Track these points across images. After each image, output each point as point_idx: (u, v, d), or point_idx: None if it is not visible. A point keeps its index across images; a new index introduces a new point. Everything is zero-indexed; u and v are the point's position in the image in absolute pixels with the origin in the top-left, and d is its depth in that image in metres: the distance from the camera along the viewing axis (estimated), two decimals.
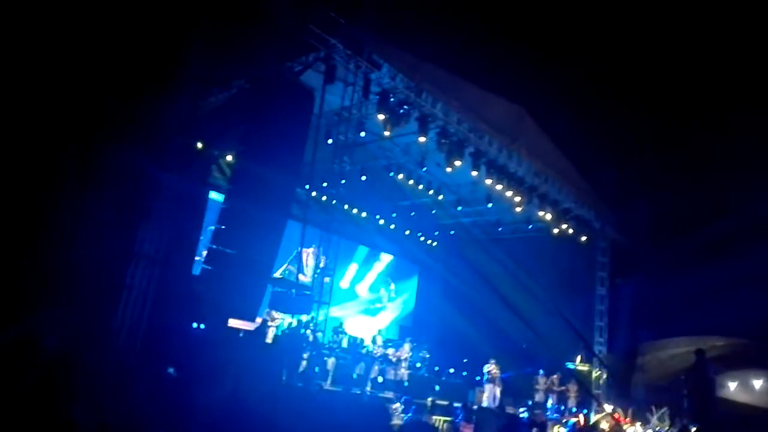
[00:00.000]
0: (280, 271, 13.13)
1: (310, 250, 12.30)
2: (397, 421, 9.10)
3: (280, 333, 11.98)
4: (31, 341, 7.52)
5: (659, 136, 16.26)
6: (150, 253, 11.02)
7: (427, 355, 16.12)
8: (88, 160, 9.79)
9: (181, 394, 7.18)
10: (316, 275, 11.86)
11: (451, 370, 16.41)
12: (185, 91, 10.91)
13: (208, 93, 11.29)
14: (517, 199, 15.13)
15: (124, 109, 10.12)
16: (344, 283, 18.25)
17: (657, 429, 14.15)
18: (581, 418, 14.33)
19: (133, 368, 7.57)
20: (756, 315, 14.60)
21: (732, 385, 16.78)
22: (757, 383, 16.57)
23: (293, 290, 11.26)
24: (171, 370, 8.13)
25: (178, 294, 10.22)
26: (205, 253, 10.34)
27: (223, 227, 9.94)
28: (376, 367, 13.94)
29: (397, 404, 9.86)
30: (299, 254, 12.21)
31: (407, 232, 19.81)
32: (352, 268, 18.77)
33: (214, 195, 12.33)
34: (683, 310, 15.70)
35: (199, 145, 10.98)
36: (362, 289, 19.25)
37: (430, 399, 11.15)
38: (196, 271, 10.32)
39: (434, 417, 10.92)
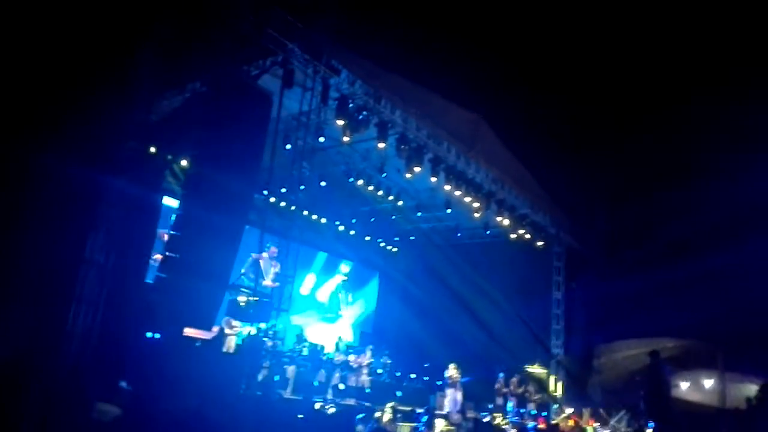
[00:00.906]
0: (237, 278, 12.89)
1: (266, 255, 12.09)
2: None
3: (240, 342, 11.73)
4: None
5: (613, 143, 16.70)
6: (100, 260, 10.65)
7: (389, 361, 16.06)
8: (39, 171, 9.43)
9: (136, 406, 6.93)
10: (274, 282, 11.67)
11: (413, 376, 16.38)
12: (137, 94, 10.63)
13: (161, 96, 11.01)
14: (476, 204, 15.31)
15: (70, 113, 9.78)
16: (304, 290, 18.06)
17: (616, 430, 14.47)
18: (540, 421, 14.54)
19: (85, 380, 7.26)
20: (704, 316, 15.11)
21: (684, 385, 17.32)
22: (708, 383, 17.15)
23: (250, 298, 11.04)
24: (123, 383, 7.84)
25: (131, 302, 9.89)
26: (158, 259, 10.04)
27: (177, 233, 9.67)
28: (337, 374, 13.80)
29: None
30: (256, 261, 11.99)
31: (367, 238, 19.78)
32: (312, 276, 18.59)
33: (168, 201, 12.01)
34: (635, 312, 16.16)
35: (152, 149, 10.69)
36: (322, 295, 19.09)
37: (390, 405, 11.07)
38: (150, 278, 10.00)
39: (399, 424, 10.87)
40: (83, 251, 10.35)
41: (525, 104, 15.97)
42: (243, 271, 12.02)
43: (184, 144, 11.08)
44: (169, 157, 11.78)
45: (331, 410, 10.10)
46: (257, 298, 11.05)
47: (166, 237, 10.18)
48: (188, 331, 10.07)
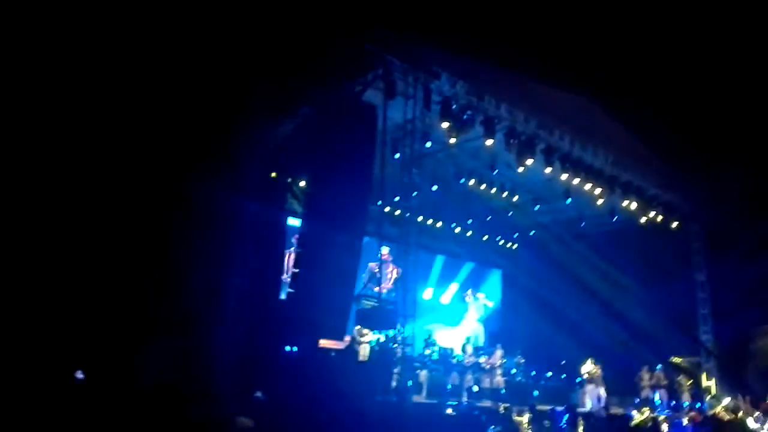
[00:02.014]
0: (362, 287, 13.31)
1: (379, 262, 12.38)
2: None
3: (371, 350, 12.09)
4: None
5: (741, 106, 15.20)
6: (239, 283, 11.53)
7: (522, 360, 15.74)
8: (181, 201, 10.44)
9: (272, 416, 7.38)
10: (394, 288, 11.90)
11: (549, 374, 15.92)
12: (256, 124, 11.43)
13: (276, 123, 11.71)
14: (598, 191, 14.59)
15: (206, 150, 10.73)
16: (427, 294, 18.23)
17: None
18: (695, 413, 13.54)
19: (231, 398, 7.87)
20: None
21: None
22: None
23: (376, 306, 11.35)
24: (259, 393, 8.37)
25: (269, 319, 10.60)
26: (288, 277, 10.66)
27: (302, 250, 10.23)
28: (470, 377, 13.77)
29: None
30: (372, 269, 12.34)
31: (485, 238, 19.53)
32: (434, 280, 18.72)
33: (291, 221, 12.72)
34: None
35: (273, 174, 11.41)
36: (446, 298, 19.15)
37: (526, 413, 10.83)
38: (283, 295, 10.65)
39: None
40: (222, 277, 11.29)
41: (637, 81, 15.00)
42: (365, 280, 12.38)
43: (301, 166, 11.69)
44: (289, 179, 12.47)
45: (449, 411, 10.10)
46: (382, 306, 11.34)
47: (292, 256, 10.80)
48: (323, 343, 10.58)
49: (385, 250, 12.45)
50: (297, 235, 11.52)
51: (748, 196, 15.44)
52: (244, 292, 11.46)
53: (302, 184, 12.60)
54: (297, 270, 10.31)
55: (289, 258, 12.04)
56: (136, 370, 8.43)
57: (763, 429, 12.95)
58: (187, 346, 9.57)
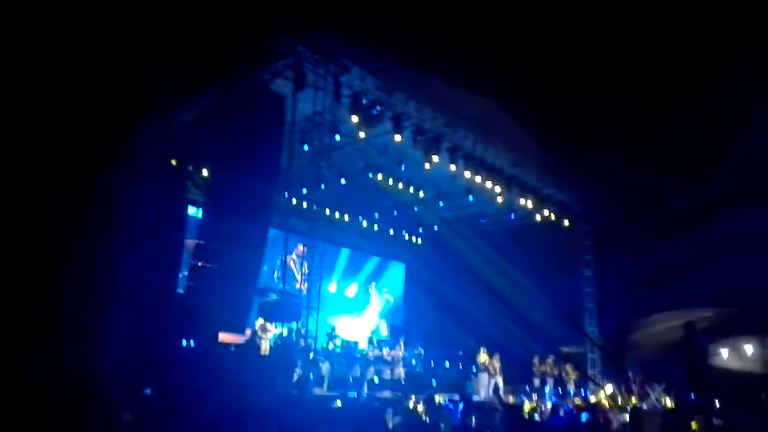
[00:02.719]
0: (267, 280, 13.11)
1: (294, 256, 12.28)
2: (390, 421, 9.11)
3: (272, 344, 11.94)
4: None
5: (630, 114, 16.37)
6: (133, 272, 10.97)
7: (422, 351, 16.17)
8: (71, 190, 9.78)
9: (157, 413, 7.12)
10: (303, 281, 11.83)
11: (447, 364, 16.46)
12: (155, 109, 10.88)
13: (178, 109, 11.22)
14: (497, 189, 15.24)
15: (101, 135, 10.10)
16: (332, 288, 18.26)
17: (656, 402, 14.35)
18: (579, 400, 14.50)
19: (121, 394, 7.50)
20: (740, 283, 14.83)
21: (724, 353, 17.05)
22: (748, 349, 16.85)
23: (280, 299, 11.22)
24: (148, 390, 8.05)
25: (165, 312, 10.17)
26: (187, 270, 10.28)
27: (203, 242, 9.88)
28: (372, 369, 13.96)
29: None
30: (284, 262, 12.17)
31: (391, 232, 19.84)
32: (339, 272, 18.78)
33: (191, 210, 12.26)
34: (669, 284, 15.90)
35: (174, 161, 10.93)
36: (351, 291, 19.27)
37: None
38: (181, 288, 10.25)
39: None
40: (116, 264, 10.69)
41: (538, 86, 15.75)
42: (276, 274, 12.20)
43: (203, 153, 11.29)
44: (191, 167, 12.00)
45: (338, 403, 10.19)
46: (286, 299, 11.23)
47: (192, 246, 10.41)
48: (223, 337, 10.31)
49: (301, 246, 12.33)
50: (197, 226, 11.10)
51: (633, 198, 16.72)
52: (139, 283, 10.94)
53: (205, 172, 12.20)
54: (196, 262, 9.95)
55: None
56: (19, 367, 7.83)
57: (643, 405, 14.03)
58: (75, 340, 9.00)
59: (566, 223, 17.19)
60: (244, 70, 10.54)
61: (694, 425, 11.24)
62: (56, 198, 9.81)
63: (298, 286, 11.76)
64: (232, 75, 10.44)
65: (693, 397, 14.60)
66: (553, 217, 16.92)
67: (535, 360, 16.33)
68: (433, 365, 16.19)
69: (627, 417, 12.25)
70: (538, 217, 16.85)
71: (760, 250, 14.19)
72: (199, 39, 10.13)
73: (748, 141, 14.67)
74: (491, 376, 14.76)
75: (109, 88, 10.01)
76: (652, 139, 16.11)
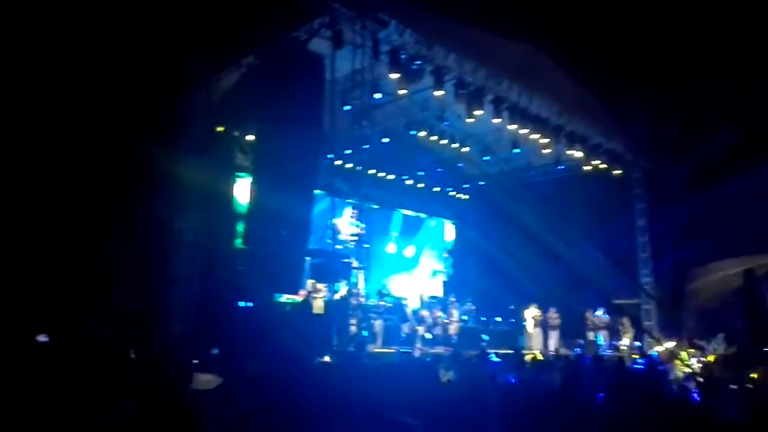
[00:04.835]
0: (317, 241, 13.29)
1: (343, 219, 12.35)
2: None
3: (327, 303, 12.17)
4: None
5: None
6: (190, 240, 11.33)
7: (473, 307, 16.20)
8: (126, 164, 10.12)
9: (231, 372, 7.37)
10: (352, 242, 11.91)
11: (498, 319, 16.47)
12: (198, 76, 11.01)
13: (219, 76, 11.31)
14: (544, 141, 14.86)
15: (148, 108, 10.35)
16: (391, 248, 18.56)
17: (716, 353, 14.02)
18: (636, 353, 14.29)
19: (183, 352, 7.81)
20: None
21: None
22: None
23: (330, 259, 11.38)
24: (215, 350, 8.35)
25: (223, 275, 10.50)
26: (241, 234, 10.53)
27: (253, 206, 10.07)
28: (424, 326, 14.09)
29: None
30: (333, 224, 12.30)
31: (436, 189, 19.72)
32: (396, 232, 19.02)
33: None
34: (728, 230, 15.26)
35: (220, 128, 11.09)
36: (409, 252, 19.58)
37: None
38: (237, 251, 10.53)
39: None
40: (173, 234, 11.06)
41: (585, 32, 15.07)
42: (327, 234, 12.32)
43: (248, 119, 11.38)
44: (236, 133, 12.14)
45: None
46: (335, 260, 11.38)
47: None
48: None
49: (350, 209, 12.41)
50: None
51: (683, 140, 15.97)
52: (196, 249, 11.29)
53: (250, 138, 12.32)
54: (249, 226, 10.17)
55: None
56: (89, 331, 8.26)
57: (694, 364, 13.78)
58: (140, 303, 9.42)
59: (617, 172, 16.67)
60: (279, 30, 10.48)
61: (754, 375, 10.93)
62: (112, 170, 10.16)
63: (350, 246, 11.83)
64: (268, 37, 10.41)
65: (752, 346, 14.17)
66: (603, 166, 16.43)
67: (588, 313, 16.15)
68: (484, 320, 16.23)
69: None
70: (587, 168, 16.39)
71: None
72: (235, 2, 10.13)
73: None
74: (549, 329, 14.71)
75: (151, 59, 10.18)
76: (700, 78, 15.16)
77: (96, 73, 9.77)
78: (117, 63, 9.89)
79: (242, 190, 11.84)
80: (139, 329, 8.56)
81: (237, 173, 12.17)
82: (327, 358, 9.54)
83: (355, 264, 11.29)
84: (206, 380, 6.74)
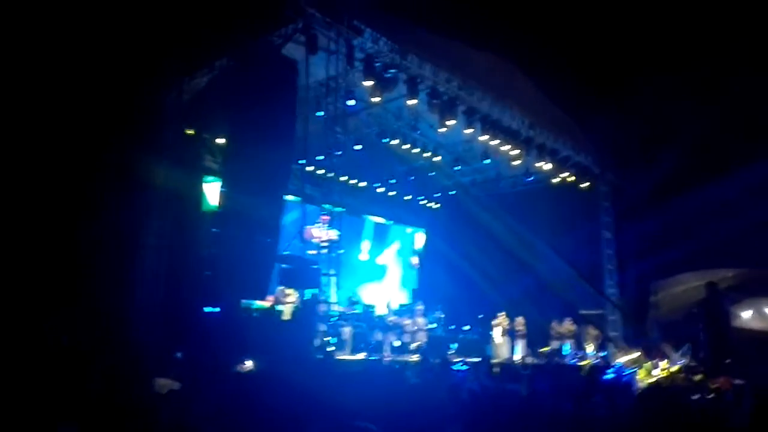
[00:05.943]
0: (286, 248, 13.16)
1: (317, 226, 12.27)
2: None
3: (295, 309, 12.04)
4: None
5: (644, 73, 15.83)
6: (156, 243, 11.12)
7: (441, 315, 16.23)
8: (92, 164, 9.90)
9: (193, 377, 7.24)
10: (325, 248, 11.82)
11: (467, 328, 16.53)
12: (169, 77, 10.85)
13: (190, 77, 11.17)
14: (514, 152, 15.05)
15: (118, 109, 10.15)
16: (363, 255, 18.51)
17: (679, 363, 14.29)
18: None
19: (145, 356, 7.65)
20: (763, 241, 14.56)
21: (746, 314, 16.86)
22: None
23: (299, 265, 11.28)
24: (179, 354, 8.19)
25: (189, 280, 10.31)
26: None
27: (222, 210, 9.93)
28: (392, 333, 14.05)
29: None
30: (302, 229, 12.20)
31: (407, 198, 19.76)
32: (368, 240, 19.05)
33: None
34: (691, 244, 15.63)
35: (190, 130, 10.93)
36: (381, 259, 19.67)
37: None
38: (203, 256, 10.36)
39: None
40: (138, 237, 10.84)
41: (556, 46, 15.31)
42: (296, 240, 12.22)
43: (218, 121, 11.25)
44: (206, 136, 11.98)
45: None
46: (304, 266, 11.28)
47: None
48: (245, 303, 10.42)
49: (325, 216, 12.32)
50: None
51: (649, 156, 16.34)
52: (162, 252, 11.08)
53: (221, 141, 12.16)
54: (216, 230, 10.02)
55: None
56: (48, 336, 8.01)
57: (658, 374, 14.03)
58: (101, 307, 9.18)
59: (584, 185, 16.96)
60: (254, 34, 10.42)
61: (716, 386, 11.19)
62: (79, 172, 9.92)
63: (321, 252, 11.74)
64: (243, 40, 10.33)
65: (714, 357, 14.50)
66: (571, 179, 16.71)
67: (553, 323, 16.33)
68: (453, 329, 16.27)
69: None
70: (555, 180, 16.65)
71: None
72: (209, 4, 10.03)
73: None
74: (517, 338, 14.81)
75: (122, 59, 10.00)
76: (665, 92, 15.52)
77: (64, 73, 9.57)
78: (86, 63, 9.70)
79: (211, 194, 11.67)
80: (99, 334, 8.34)
81: (206, 176, 11.99)
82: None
83: (328, 271, 11.21)
84: (165, 384, 6.62)
